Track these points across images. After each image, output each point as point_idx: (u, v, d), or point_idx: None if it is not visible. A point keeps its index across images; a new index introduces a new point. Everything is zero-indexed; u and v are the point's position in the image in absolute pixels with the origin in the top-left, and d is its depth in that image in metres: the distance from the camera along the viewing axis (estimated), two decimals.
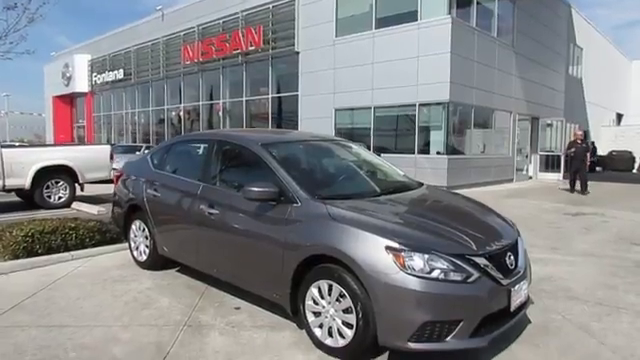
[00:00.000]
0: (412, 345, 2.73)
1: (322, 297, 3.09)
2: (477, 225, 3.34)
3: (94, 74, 27.76)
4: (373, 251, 2.83)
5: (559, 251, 5.99)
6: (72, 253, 5.36)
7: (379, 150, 13.82)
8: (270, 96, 17.60)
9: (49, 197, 9.19)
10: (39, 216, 6.59)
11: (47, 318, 3.70)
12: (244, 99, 18.69)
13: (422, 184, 4.25)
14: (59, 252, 5.33)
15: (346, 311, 2.95)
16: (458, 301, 2.74)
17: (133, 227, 5.05)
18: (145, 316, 3.75)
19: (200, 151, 4.38)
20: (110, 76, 26.27)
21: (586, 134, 12.18)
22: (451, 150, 12.89)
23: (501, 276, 2.93)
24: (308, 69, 15.85)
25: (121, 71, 25.34)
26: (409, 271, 2.72)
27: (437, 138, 12.91)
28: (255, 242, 3.53)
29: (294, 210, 3.31)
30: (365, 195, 3.58)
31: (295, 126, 16.30)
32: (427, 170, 12.64)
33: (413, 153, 13.16)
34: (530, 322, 3.66)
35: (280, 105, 17.59)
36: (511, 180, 15.96)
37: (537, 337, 3.40)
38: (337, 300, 3.00)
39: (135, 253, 5.07)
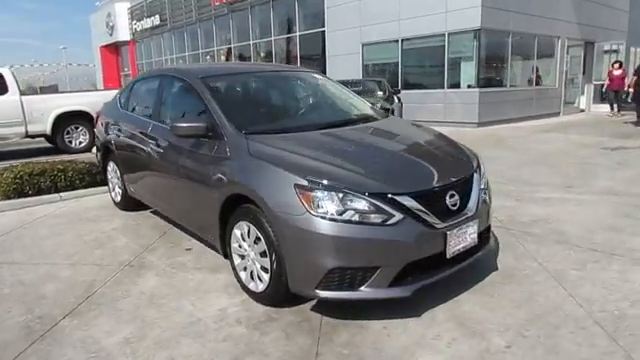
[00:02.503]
0: (321, 293, 2.47)
1: (244, 240, 2.88)
2: (418, 161, 2.90)
3: (134, 22, 27.97)
4: (282, 190, 2.53)
5: (573, 189, 5.34)
6: (61, 194, 5.50)
7: (407, 86, 13.02)
8: (297, 34, 16.86)
9: (70, 142, 9.53)
10: (59, 160, 6.75)
11: (4, 255, 3.80)
12: (272, 39, 18.09)
13: (387, 116, 3.80)
14: (49, 193, 5.48)
15: (263, 254, 2.72)
16: (374, 246, 2.41)
17: (109, 168, 5.04)
18: (96, 255, 3.74)
19: (153, 88, 4.15)
20: (148, 23, 26.35)
21: None
22: (484, 83, 11.78)
23: (435, 218, 2.54)
24: (334, 2, 14.84)
25: (157, 17, 25.29)
26: (316, 212, 2.41)
27: (468, 70, 11.82)
28: (190, 181, 3.34)
29: (221, 146, 3.04)
30: (305, 129, 3.20)
31: (323, 64, 15.62)
32: (457, 105, 11.77)
33: (443, 88, 12.22)
34: (497, 269, 3.26)
35: (307, 43, 16.82)
36: (558, 114, 14.54)
37: (497, 286, 3.01)
38: (255, 243, 2.77)
39: (112, 194, 5.09)
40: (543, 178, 5.98)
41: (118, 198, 4.94)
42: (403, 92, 12.70)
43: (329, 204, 2.42)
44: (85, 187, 5.74)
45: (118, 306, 2.90)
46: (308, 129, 3.20)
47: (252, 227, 2.74)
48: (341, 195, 2.43)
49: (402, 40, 12.90)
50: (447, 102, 11.98)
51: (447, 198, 2.64)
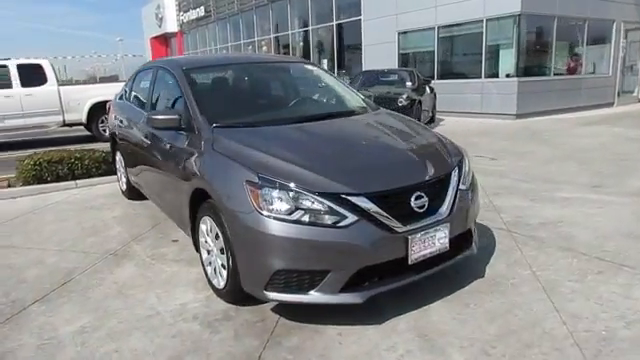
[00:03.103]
0: (269, 294, 2.38)
1: (208, 235, 2.82)
2: (384, 159, 2.69)
3: (181, 13, 28.73)
4: (234, 185, 2.44)
5: (601, 189, 4.87)
6: (77, 182, 5.71)
7: (443, 76, 12.48)
8: (334, 23, 16.58)
9: (104, 131, 9.90)
10: (91, 147, 6.97)
11: (5, 238, 3.98)
12: (310, 28, 17.95)
13: (377, 109, 3.60)
14: (67, 180, 5.71)
15: (222, 251, 2.65)
16: (323, 249, 2.27)
17: (117, 158, 5.16)
18: (87, 243, 3.83)
19: (148, 79, 4.17)
20: (194, 14, 26.97)
21: None
22: (524, 72, 11.03)
23: (395, 221, 2.36)
24: None
25: (202, 8, 25.81)
26: (264, 210, 2.30)
27: (507, 58, 11.10)
28: (169, 173, 3.33)
29: (193, 139, 2.99)
30: (278, 122, 3.09)
31: (359, 54, 15.32)
32: (494, 96, 11.14)
33: (480, 77, 11.59)
34: (483, 276, 3.02)
35: (344, 32, 16.53)
36: (611, 104, 13.41)
37: (475, 295, 2.78)
38: (216, 238, 2.71)
39: (120, 183, 5.22)
40: (570, 176, 5.52)
41: (124, 187, 5.06)
42: (438, 82, 12.22)
43: (277, 202, 2.30)
44: (101, 175, 5.92)
45: (88, 294, 2.94)
46: (282, 123, 3.08)
47: (213, 223, 2.68)
48: (290, 194, 2.31)
49: (438, 27, 12.35)
50: (484, 92, 11.38)
51: (412, 200, 2.44)
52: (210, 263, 2.87)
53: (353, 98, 3.74)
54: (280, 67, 4.08)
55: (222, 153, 2.66)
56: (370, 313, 2.58)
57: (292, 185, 2.32)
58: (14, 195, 5.34)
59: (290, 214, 2.28)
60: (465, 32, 11.97)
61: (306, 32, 18.53)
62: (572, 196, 4.67)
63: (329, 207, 2.28)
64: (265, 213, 2.29)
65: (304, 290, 2.34)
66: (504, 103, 10.90)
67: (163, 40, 32.96)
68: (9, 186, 5.55)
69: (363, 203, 2.31)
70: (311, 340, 2.39)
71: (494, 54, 11.40)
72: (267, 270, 2.32)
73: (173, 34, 30.71)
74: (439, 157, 2.80)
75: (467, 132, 9.56)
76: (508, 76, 11.10)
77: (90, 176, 5.86)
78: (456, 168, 2.77)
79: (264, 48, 22.00)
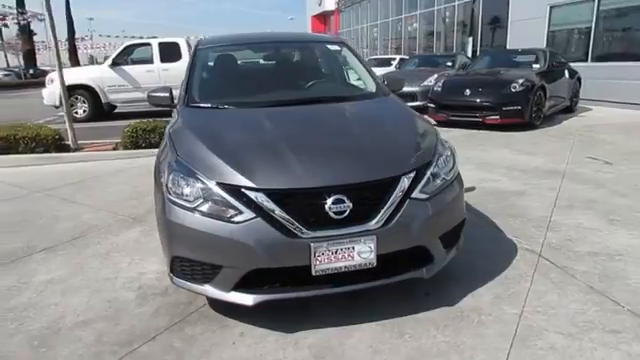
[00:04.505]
0: (174, 279, 2.37)
1: None
2: (315, 153, 2.36)
3: None
4: (164, 167, 2.46)
5: None
6: None
7: (599, 58, 10.34)
8: None
9: None
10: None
11: (73, 193, 4.69)
12: (456, 4, 16.61)
13: (387, 94, 3.21)
14: (157, 147, 6.46)
15: None
16: (215, 243, 2.15)
17: None
18: (125, 205, 4.28)
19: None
20: None
21: None
22: None
23: (298, 225, 2.10)
24: None
25: None
26: (170, 195, 2.28)
27: None
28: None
29: (176, 117, 3.10)
30: (250, 105, 2.99)
31: (504, 31, 13.65)
32: None
33: None
34: (452, 305, 2.49)
35: (490, 7, 14.85)
36: None
37: (423, 325, 2.32)
38: None
39: None
40: None
41: None
42: (592, 65, 10.23)
43: (181, 188, 2.26)
44: None
45: (82, 251, 3.31)
46: (254, 105, 2.96)
47: None
48: (195, 182, 2.23)
49: None
50: None
51: (329, 203, 2.12)
52: None
53: (362, 82, 3.37)
54: (296, 47, 3.86)
55: (170, 134, 2.70)
56: (293, 319, 2.36)
57: (197, 173, 2.24)
58: (111, 158, 6.26)
59: (190, 202, 2.21)
60: (633, 3, 9.62)
61: (453, 7, 17.25)
62: None
63: (227, 200, 2.14)
64: (170, 198, 2.27)
65: (199, 281, 2.27)
66: None
67: (322, 18, 34.40)
68: (114, 149, 6.53)
69: (261, 200, 2.11)
70: (211, 333, 2.31)
71: None
72: (168, 254, 2.31)
73: (331, 12, 31.80)
74: (388, 158, 2.35)
75: (603, 127, 7.82)
76: None
77: None
78: (412, 173, 2.30)
79: (414, 25, 21.27)
